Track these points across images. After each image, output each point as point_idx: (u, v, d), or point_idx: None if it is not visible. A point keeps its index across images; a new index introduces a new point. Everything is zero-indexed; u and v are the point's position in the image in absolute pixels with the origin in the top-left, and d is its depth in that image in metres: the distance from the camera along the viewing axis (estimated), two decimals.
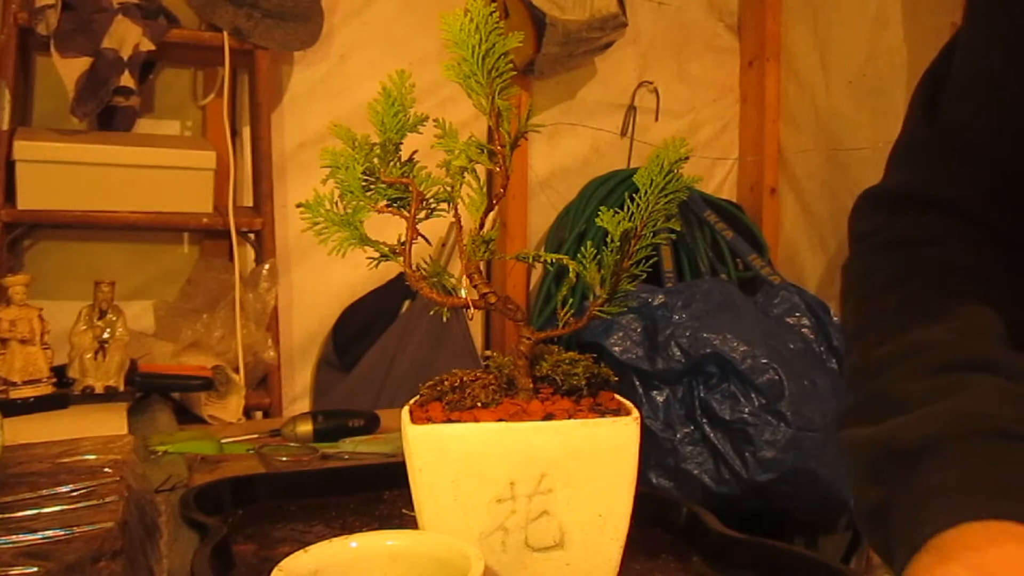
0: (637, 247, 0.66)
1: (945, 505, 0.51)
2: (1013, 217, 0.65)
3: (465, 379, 0.67)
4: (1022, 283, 0.64)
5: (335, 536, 0.61)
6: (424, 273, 0.67)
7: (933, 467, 0.53)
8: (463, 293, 0.68)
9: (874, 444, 0.58)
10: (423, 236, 0.68)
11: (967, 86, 0.68)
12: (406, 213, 0.67)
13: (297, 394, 2.22)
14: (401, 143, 0.67)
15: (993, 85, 0.65)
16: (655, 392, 1.87)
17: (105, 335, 1.32)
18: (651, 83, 2.59)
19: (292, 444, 1.20)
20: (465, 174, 0.66)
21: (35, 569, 0.58)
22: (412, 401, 0.68)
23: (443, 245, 2.22)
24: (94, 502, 0.69)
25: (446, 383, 0.67)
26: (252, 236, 2.05)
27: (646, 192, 0.66)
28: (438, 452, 0.63)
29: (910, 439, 0.55)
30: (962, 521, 0.50)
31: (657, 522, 0.87)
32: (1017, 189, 0.65)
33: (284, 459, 1.12)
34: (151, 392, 1.42)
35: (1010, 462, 0.52)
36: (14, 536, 0.62)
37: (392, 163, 0.67)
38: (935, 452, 0.54)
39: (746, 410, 1.79)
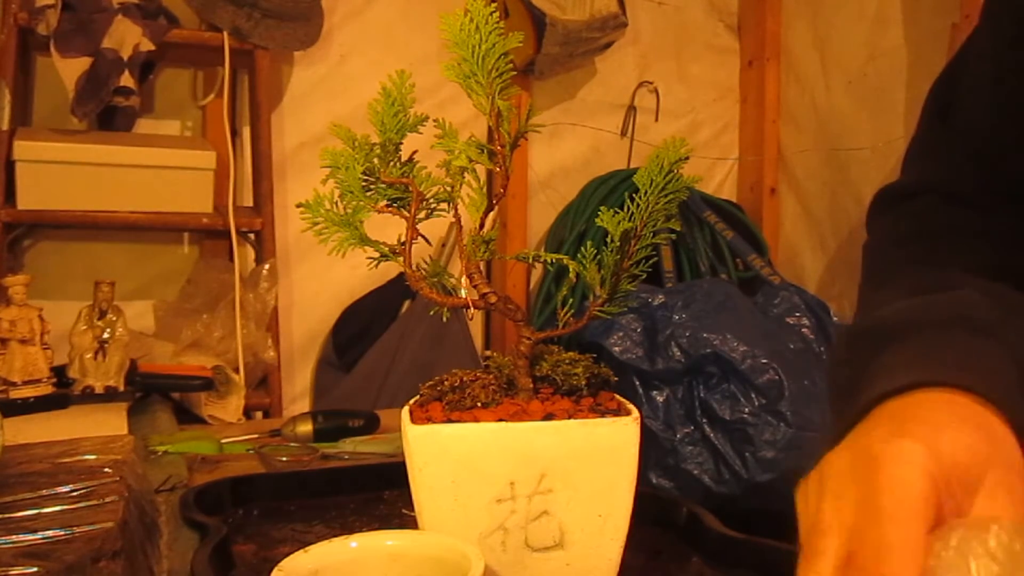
0: (637, 247, 0.66)
1: (905, 373, 0.51)
2: (1012, 205, 0.67)
3: (465, 379, 0.67)
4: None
5: (335, 536, 0.61)
6: (424, 273, 0.67)
7: (904, 345, 0.54)
8: (463, 293, 0.68)
9: (854, 329, 0.62)
10: (423, 236, 0.68)
11: (979, 84, 0.69)
12: (406, 213, 0.67)
13: (297, 394, 2.22)
14: (401, 143, 0.67)
15: (1002, 82, 0.67)
16: (655, 392, 1.87)
17: (105, 335, 1.32)
18: (651, 83, 2.59)
19: (292, 444, 1.20)
20: (465, 174, 0.66)
21: (35, 569, 0.58)
22: (412, 401, 0.68)
23: (443, 245, 2.22)
24: (94, 502, 0.69)
25: (446, 383, 0.67)
26: (252, 236, 2.05)
27: (646, 192, 0.66)
28: (438, 452, 0.63)
29: (887, 323, 0.58)
30: (919, 386, 0.49)
31: (657, 522, 0.87)
32: (1017, 180, 0.66)
33: (284, 459, 1.12)
34: (151, 392, 1.42)
35: (974, 349, 0.53)
36: (14, 536, 0.62)
37: (392, 163, 0.67)
38: (908, 333, 0.55)
39: (746, 410, 1.79)
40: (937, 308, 0.57)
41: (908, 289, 0.63)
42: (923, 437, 0.43)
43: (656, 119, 2.61)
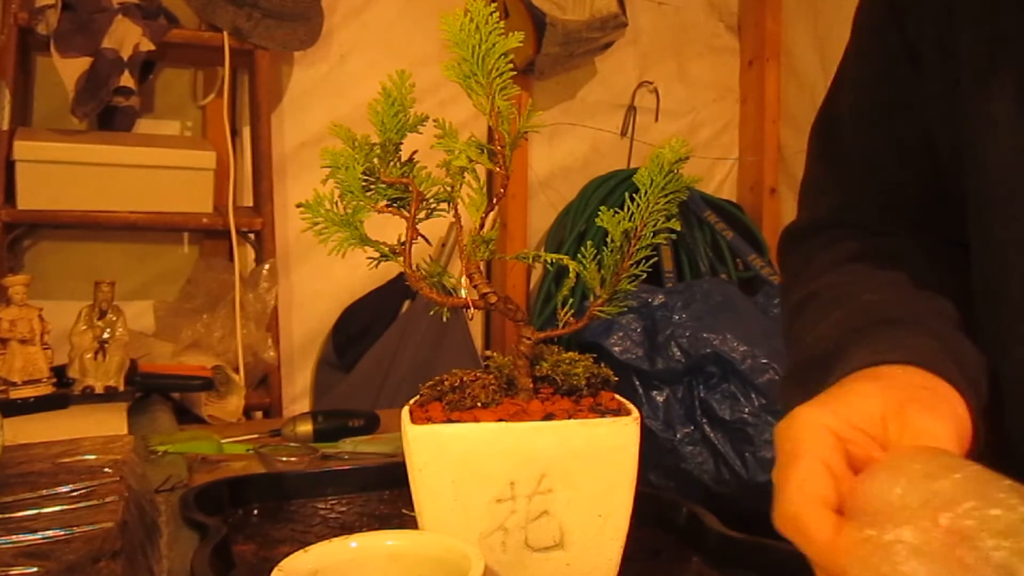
0: (637, 247, 0.66)
1: (837, 372, 0.55)
2: (912, 229, 0.70)
3: (465, 379, 0.67)
4: (932, 274, 0.66)
5: (335, 536, 0.61)
6: (424, 273, 0.67)
7: (841, 360, 0.57)
8: (463, 293, 0.68)
9: (795, 366, 0.65)
10: (423, 236, 0.68)
11: (857, 120, 0.71)
12: (406, 213, 0.67)
13: (297, 394, 2.22)
14: (401, 143, 0.67)
15: (878, 116, 0.69)
16: (655, 392, 1.87)
17: (105, 335, 1.32)
18: (651, 83, 2.59)
19: (292, 444, 1.20)
20: (465, 174, 0.66)
21: (35, 569, 0.58)
22: (412, 401, 0.68)
23: (443, 245, 2.22)
24: (94, 502, 0.69)
25: (446, 383, 0.67)
26: (252, 236, 2.05)
27: (646, 192, 0.66)
28: (438, 452, 0.63)
29: (822, 346, 0.61)
30: (846, 373, 0.53)
31: (657, 522, 0.87)
32: (911, 205, 0.70)
33: (284, 459, 1.12)
34: (151, 392, 1.42)
35: (890, 336, 0.57)
36: (14, 536, 0.62)
37: (392, 163, 0.67)
38: (845, 345, 0.58)
39: (746, 410, 1.79)
40: (853, 317, 0.60)
41: (821, 306, 0.64)
42: (825, 402, 0.49)
43: (656, 119, 2.61)
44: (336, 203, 0.66)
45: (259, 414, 1.99)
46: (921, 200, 0.69)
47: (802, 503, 0.43)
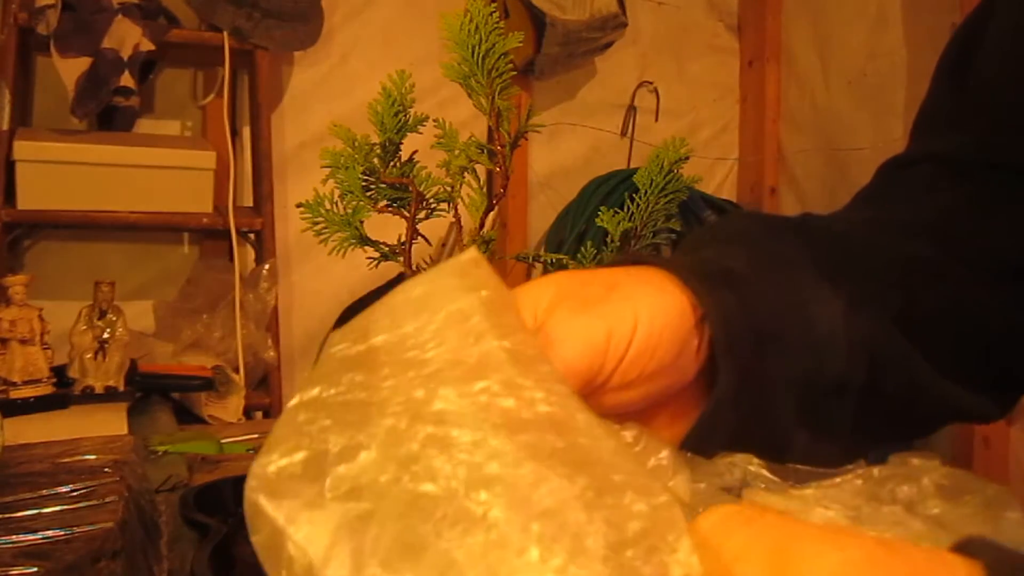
0: (637, 247, 0.66)
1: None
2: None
3: None
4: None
5: None
6: None
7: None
8: None
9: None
10: (423, 236, 0.68)
11: (1007, 42, 0.60)
12: (406, 213, 0.67)
13: None
14: (401, 143, 0.67)
15: None
16: None
17: (105, 335, 1.32)
18: (651, 83, 2.59)
19: None
20: (465, 174, 0.66)
21: (35, 569, 0.58)
22: None
23: (443, 245, 2.21)
24: (94, 502, 0.69)
25: None
26: (252, 236, 2.05)
27: (646, 192, 0.66)
28: None
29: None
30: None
31: None
32: None
33: None
34: (151, 392, 1.42)
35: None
36: (14, 536, 0.62)
37: (392, 163, 0.67)
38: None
39: None
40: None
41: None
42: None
43: (656, 119, 2.61)
44: (336, 203, 0.66)
45: (259, 414, 1.99)
46: None
47: None
